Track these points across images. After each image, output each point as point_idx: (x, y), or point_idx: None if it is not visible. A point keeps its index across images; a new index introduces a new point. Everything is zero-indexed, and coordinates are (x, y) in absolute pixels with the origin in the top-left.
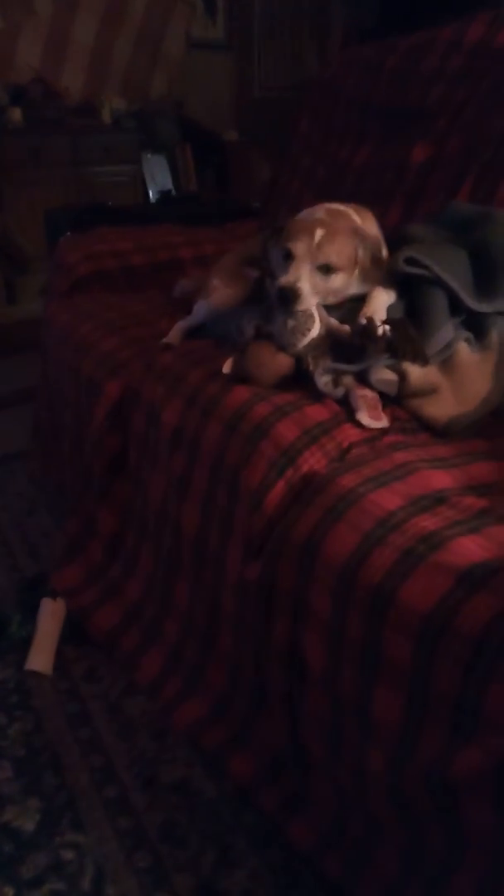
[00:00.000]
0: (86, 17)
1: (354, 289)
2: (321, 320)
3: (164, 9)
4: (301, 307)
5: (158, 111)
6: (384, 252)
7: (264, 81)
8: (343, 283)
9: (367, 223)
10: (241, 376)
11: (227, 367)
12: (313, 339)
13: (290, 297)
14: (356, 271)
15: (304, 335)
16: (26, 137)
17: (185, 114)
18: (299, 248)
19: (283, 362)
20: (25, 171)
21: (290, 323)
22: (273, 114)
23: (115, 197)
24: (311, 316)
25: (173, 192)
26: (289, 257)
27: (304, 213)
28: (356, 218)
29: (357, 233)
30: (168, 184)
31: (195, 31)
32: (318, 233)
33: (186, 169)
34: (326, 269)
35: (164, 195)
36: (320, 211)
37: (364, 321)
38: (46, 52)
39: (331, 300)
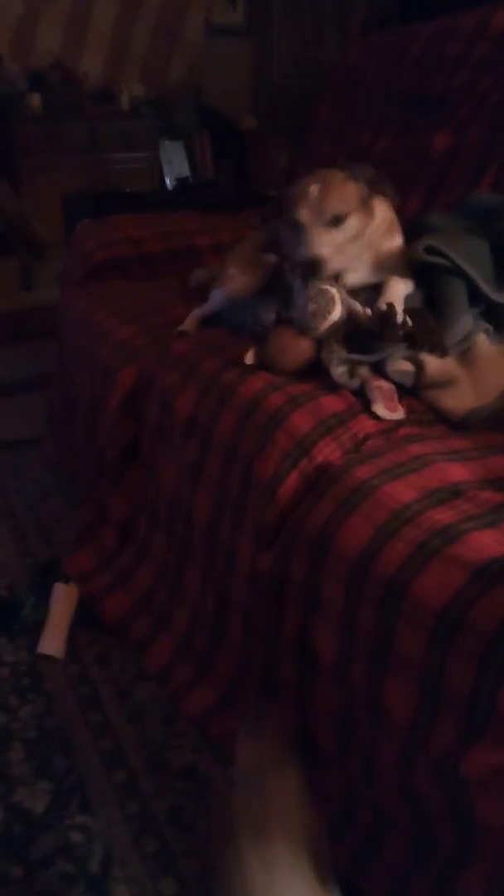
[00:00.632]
0: (105, 3)
1: (371, 234)
2: (343, 302)
3: None
4: (328, 273)
5: (176, 97)
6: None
7: (283, 68)
8: (359, 225)
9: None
10: (263, 364)
11: (249, 358)
12: (335, 322)
13: (316, 268)
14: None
15: (325, 318)
16: (45, 123)
17: (203, 100)
18: (303, 213)
19: (305, 347)
20: (44, 156)
21: (312, 306)
22: (292, 101)
23: (133, 183)
24: (333, 298)
25: (190, 179)
26: (297, 227)
27: (299, 179)
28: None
29: (349, 172)
30: (185, 171)
31: (215, 16)
32: (314, 189)
33: (204, 156)
34: (337, 220)
35: (181, 182)
36: (311, 174)
37: (384, 307)
38: (66, 37)
39: (357, 249)
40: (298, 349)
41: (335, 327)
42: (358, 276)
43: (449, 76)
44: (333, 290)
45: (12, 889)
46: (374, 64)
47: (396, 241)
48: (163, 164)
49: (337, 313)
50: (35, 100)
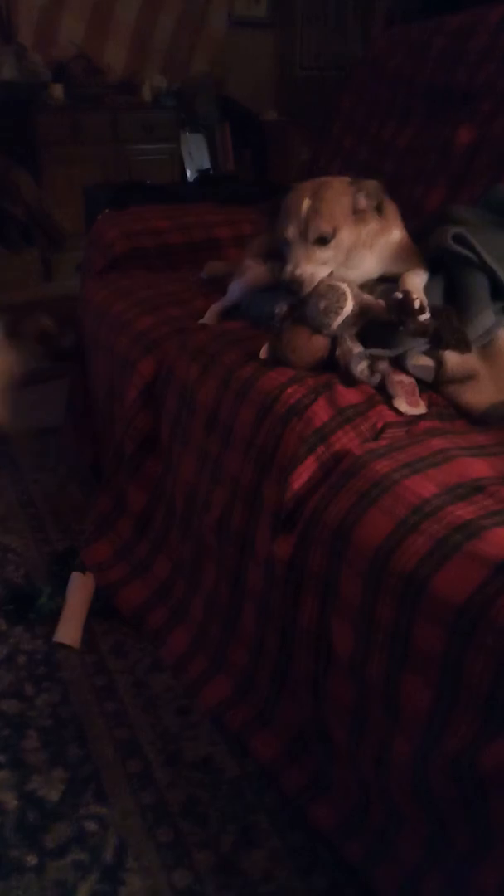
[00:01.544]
0: None
1: (370, 241)
2: (354, 297)
3: None
4: (307, 291)
5: (198, 89)
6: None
7: (305, 61)
8: (351, 237)
9: None
10: (279, 359)
11: (263, 353)
12: (347, 318)
13: (294, 288)
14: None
15: (337, 314)
16: (67, 114)
17: (225, 92)
18: (290, 231)
19: (319, 345)
20: (65, 147)
21: (322, 303)
22: (313, 94)
23: (153, 175)
24: (343, 293)
25: (211, 171)
26: (285, 243)
27: (296, 187)
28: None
29: (351, 183)
30: (206, 163)
31: (238, 8)
32: (305, 206)
33: (225, 148)
34: (322, 241)
35: (201, 174)
36: (308, 182)
37: (400, 295)
38: (89, 28)
39: (350, 259)
40: (312, 348)
41: (348, 322)
42: (359, 272)
43: (473, 70)
44: (343, 286)
45: (26, 876)
46: (398, 57)
47: (394, 234)
48: (183, 156)
49: (349, 308)
50: (58, 90)
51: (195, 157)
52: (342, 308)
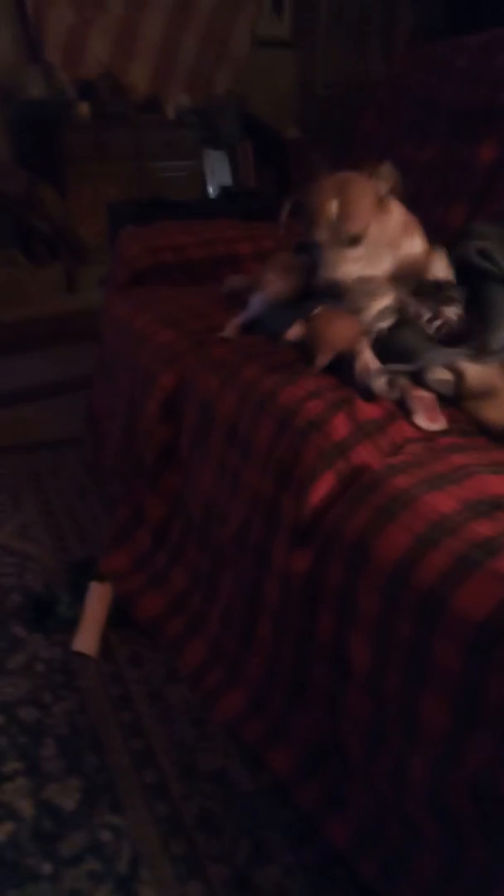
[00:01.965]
0: (155, 14)
1: (391, 233)
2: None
3: (231, 6)
4: (349, 290)
5: (221, 107)
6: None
7: (328, 79)
8: (379, 230)
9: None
10: (309, 337)
11: (293, 333)
12: (386, 307)
13: (334, 291)
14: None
15: (379, 298)
16: (92, 131)
17: (247, 110)
18: (321, 233)
19: (353, 326)
20: (90, 164)
21: (366, 287)
22: (336, 112)
23: (176, 191)
24: (384, 283)
25: (233, 188)
26: (315, 247)
27: (316, 186)
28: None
29: (369, 175)
30: (228, 180)
31: (261, 28)
32: (332, 208)
33: (246, 165)
34: (354, 240)
35: (223, 191)
36: (328, 181)
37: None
38: (116, 47)
39: (379, 250)
40: (348, 327)
41: (385, 315)
42: (382, 266)
43: (495, 89)
44: (382, 278)
45: (41, 885)
46: (421, 75)
47: (417, 244)
48: (206, 173)
49: (388, 299)
50: (84, 108)
51: (217, 174)
52: (385, 295)
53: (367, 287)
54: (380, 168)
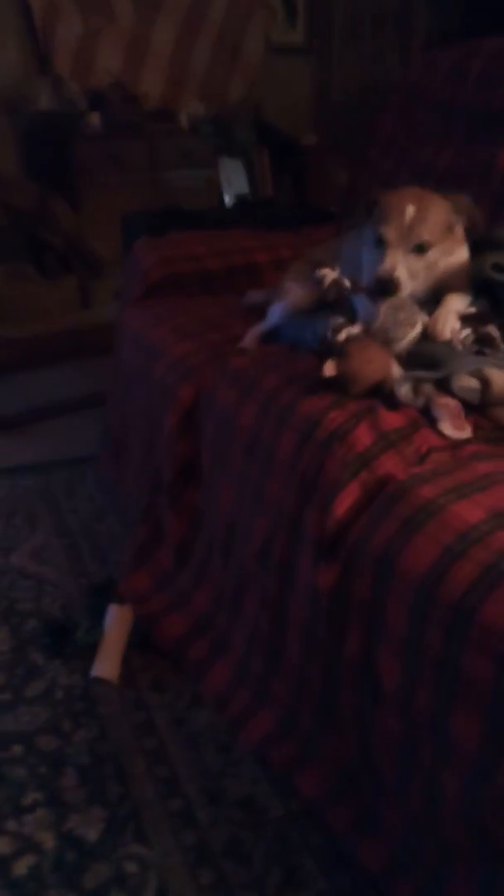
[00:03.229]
0: (165, 23)
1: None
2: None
3: (243, 13)
4: (401, 294)
5: (236, 116)
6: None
7: (344, 85)
8: (437, 257)
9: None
10: (345, 375)
11: (329, 370)
12: (417, 335)
13: (389, 287)
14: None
15: (412, 327)
16: (105, 142)
17: (262, 118)
18: (391, 232)
19: (385, 361)
20: (103, 175)
21: (401, 315)
22: (352, 118)
23: (191, 201)
24: (417, 309)
25: (249, 196)
26: (381, 243)
27: (396, 190)
28: None
29: (446, 198)
30: (244, 188)
31: (274, 34)
32: (410, 211)
33: (263, 173)
34: (420, 249)
35: (240, 199)
36: (410, 188)
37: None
38: (126, 57)
39: (422, 277)
40: (382, 361)
41: (415, 341)
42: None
43: None
44: (415, 305)
45: None
46: (437, 79)
47: (460, 255)
48: (221, 182)
49: (420, 326)
50: (95, 119)
51: (234, 183)
52: (416, 323)
53: (400, 315)
54: (459, 199)
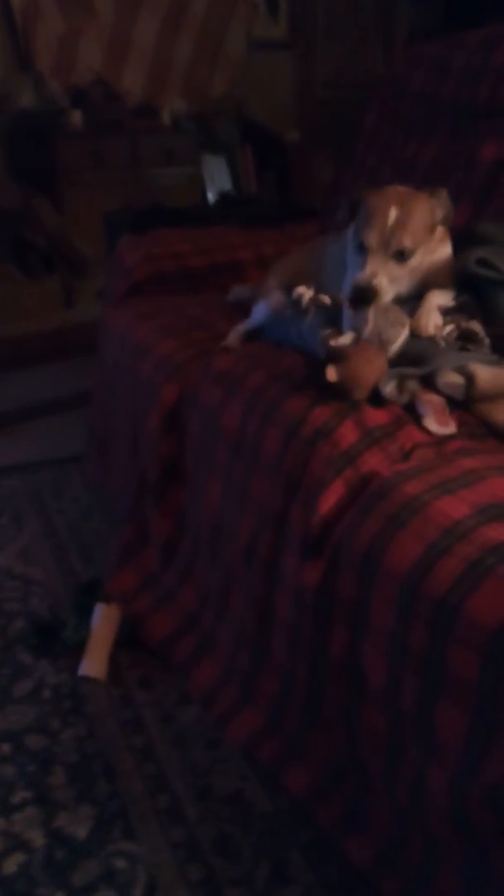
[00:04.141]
0: (147, 19)
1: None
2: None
3: (225, 9)
4: (381, 302)
5: (219, 112)
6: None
7: (327, 81)
8: (420, 261)
9: None
10: (347, 378)
11: (331, 375)
12: (408, 333)
13: (368, 295)
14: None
15: (403, 326)
16: (87, 140)
17: (245, 114)
18: (372, 238)
19: (384, 361)
20: (85, 173)
21: (391, 315)
22: (335, 114)
23: (175, 199)
24: (402, 313)
25: (232, 193)
26: (363, 249)
27: (379, 191)
28: None
29: (430, 196)
30: (227, 185)
31: (257, 30)
32: (392, 214)
33: (246, 170)
34: (401, 256)
35: (223, 196)
36: (393, 189)
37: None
38: (107, 54)
39: (406, 281)
40: (380, 361)
41: (404, 342)
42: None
43: (495, 85)
44: (396, 305)
45: None
46: (420, 74)
47: (444, 251)
48: (205, 179)
49: (408, 329)
50: (76, 117)
51: (217, 180)
52: (405, 322)
53: (390, 317)
54: (439, 193)
